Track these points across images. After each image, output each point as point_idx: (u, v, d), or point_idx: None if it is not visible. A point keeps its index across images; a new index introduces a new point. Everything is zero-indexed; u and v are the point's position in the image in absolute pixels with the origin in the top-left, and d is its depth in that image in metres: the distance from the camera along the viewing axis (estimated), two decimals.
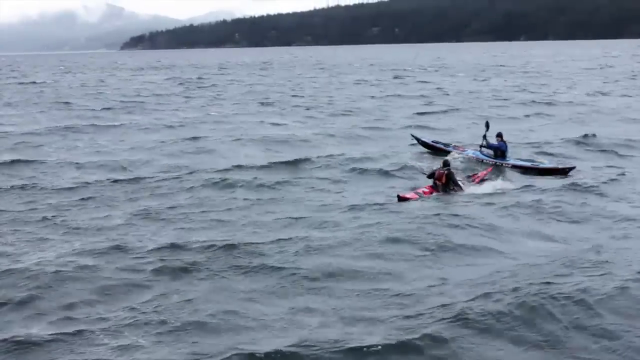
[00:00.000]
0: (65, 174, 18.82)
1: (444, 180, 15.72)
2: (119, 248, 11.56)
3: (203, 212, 14.35)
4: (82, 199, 15.65)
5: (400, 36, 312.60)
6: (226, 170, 18.89)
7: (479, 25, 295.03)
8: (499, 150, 19.26)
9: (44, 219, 13.74)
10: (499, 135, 19.50)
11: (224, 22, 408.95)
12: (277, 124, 30.11)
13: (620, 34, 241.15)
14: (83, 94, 48.02)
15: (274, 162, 19.90)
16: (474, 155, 19.67)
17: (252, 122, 30.83)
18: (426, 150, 21.71)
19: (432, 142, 21.60)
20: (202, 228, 13.04)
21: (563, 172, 18.30)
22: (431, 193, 15.83)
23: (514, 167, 18.81)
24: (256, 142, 24.40)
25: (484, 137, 19.58)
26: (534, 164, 18.96)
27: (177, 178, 17.92)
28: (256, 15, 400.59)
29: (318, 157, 20.73)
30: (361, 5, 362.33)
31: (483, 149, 19.62)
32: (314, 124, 30.54)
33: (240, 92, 48.82)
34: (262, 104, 39.94)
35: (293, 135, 26.00)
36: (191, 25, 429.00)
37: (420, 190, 16.00)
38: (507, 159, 19.20)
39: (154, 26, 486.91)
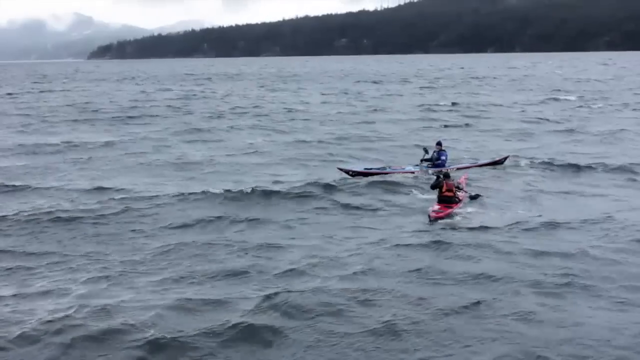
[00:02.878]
0: None
1: (454, 190, 15.79)
2: None
3: None
4: None
5: (368, 47, 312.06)
6: None
7: (446, 37, 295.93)
8: (438, 159, 19.44)
9: None
10: (439, 143, 19.72)
11: (193, 32, 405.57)
12: None
13: (585, 47, 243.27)
14: None
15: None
16: (417, 170, 19.29)
17: None
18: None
19: (365, 169, 19.57)
20: None
21: (500, 162, 20.30)
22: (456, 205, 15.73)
23: (459, 169, 19.50)
24: None
25: (424, 159, 19.63)
26: (473, 162, 20.20)
27: None
28: (225, 26, 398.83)
29: None
30: (329, 16, 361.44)
31: (423, 162, 19.62)
32: None
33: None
34: None
35: None
36: (159, 35, 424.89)
37: (443, 209, 15.51)
38: (440, 163, 19.35)
39: (122, 35, 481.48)
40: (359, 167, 19.77)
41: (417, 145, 24.38)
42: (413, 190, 17.39)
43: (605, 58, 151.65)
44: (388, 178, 18.66)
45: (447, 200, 15.63)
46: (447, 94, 54.16)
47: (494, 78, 78.91)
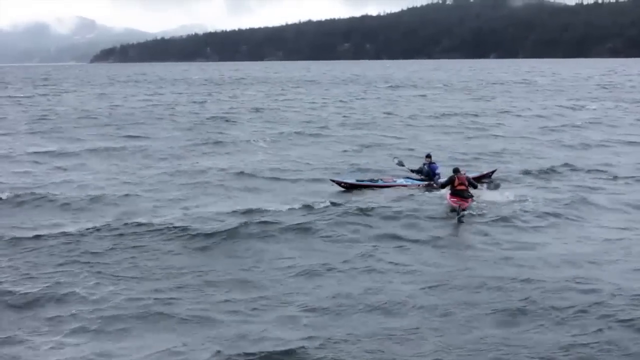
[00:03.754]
0: None
1: (467, 184, 15.96)
2: None
3: None
4: None
5: (371, 52, 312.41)
6: None
7: (449, 43, 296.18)
8: (433, 173, 19.19)
9: None
10: (428, 156, 19.59)
11: (196, 35, 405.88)
12: None
13: (588, 53, 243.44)
14: None
15: None
16: (407, 183, 19.21)
17: None
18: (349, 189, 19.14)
19: (357, 181, 19.45)
20: None
21: (488, 176, 19.74)
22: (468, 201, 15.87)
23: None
24: None
25: (412, 171, 19.72)
26: None
27: None
28: (228, 30, 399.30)
29: None
30: (332, 20, 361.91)
31: (412, 174, 19.64)
32: None
33: None
34: None
35: None
36: (162, 39, 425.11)
37: (461, 201, 15.73)
38: (437, 178, 18.96)
39: (125, 39, 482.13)
40: (351, 179, 19.58)
41: (423, 146, 24.19)
42: (418, 198, 17.33)
43: (619, 63, 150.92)
44: (382, 190, 18.55)
45: (461, 194, 15.65)
46: (474, 99, 53.69)
47: (515, 83, 78.40)
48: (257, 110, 45.38)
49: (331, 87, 77.95)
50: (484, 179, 19.60)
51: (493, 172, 20.27)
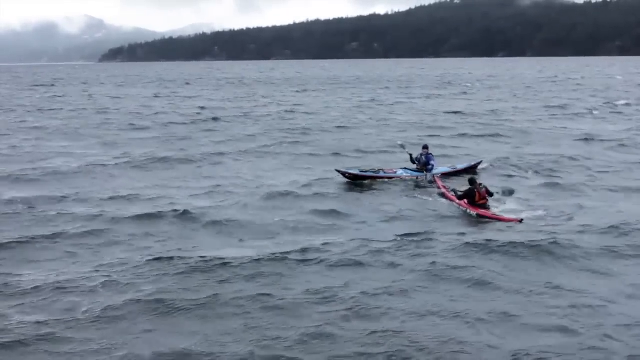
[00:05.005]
0: None
1: (487, 197, 15.55)
2: None
3: None
4: None
5: (379, 51, 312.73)
6: None
7: (457, 42, 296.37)
8: (427, 163, 19.99)
9: None
10: (425, 147, 20.41)
11: (204, 35, 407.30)
12: None
13: (596, 51, 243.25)
14: None
15: None
16: (405, 174, 20.03)
17: None
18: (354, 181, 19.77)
19: (360, 172, 20.14)
20: None
21: (474, 167, 20.64)
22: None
23: (443, 175, 19.94)
24: None
25: (411, 156, 20.48)
26: (452, 167, 20.73)
27: None
28: (236, 29, 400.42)
29: None
30: (340, 20, 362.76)
31: (410, 164, 20.42)
32: None
33: None
34: None
35: None
36: (170, 38, 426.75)
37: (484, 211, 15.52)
38: (431, 168, 19.88)
39: (133, 38, 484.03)
40: (354, 170, 20.17)
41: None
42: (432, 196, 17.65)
43: (636, 62, 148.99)
44: (385, 181, 19.37)
45: (483, 207, 15.36)
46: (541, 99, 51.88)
47: (546, 81, 78.03)
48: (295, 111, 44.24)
49: (363, 86, 77.03)
50: (471, 170, 20.53)
51: (479, 163, 21.14)
